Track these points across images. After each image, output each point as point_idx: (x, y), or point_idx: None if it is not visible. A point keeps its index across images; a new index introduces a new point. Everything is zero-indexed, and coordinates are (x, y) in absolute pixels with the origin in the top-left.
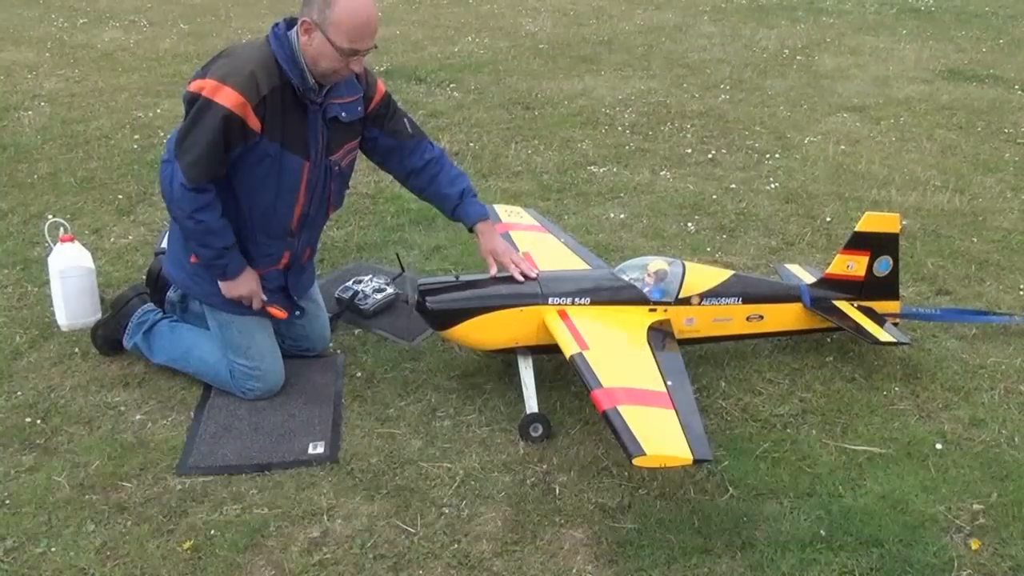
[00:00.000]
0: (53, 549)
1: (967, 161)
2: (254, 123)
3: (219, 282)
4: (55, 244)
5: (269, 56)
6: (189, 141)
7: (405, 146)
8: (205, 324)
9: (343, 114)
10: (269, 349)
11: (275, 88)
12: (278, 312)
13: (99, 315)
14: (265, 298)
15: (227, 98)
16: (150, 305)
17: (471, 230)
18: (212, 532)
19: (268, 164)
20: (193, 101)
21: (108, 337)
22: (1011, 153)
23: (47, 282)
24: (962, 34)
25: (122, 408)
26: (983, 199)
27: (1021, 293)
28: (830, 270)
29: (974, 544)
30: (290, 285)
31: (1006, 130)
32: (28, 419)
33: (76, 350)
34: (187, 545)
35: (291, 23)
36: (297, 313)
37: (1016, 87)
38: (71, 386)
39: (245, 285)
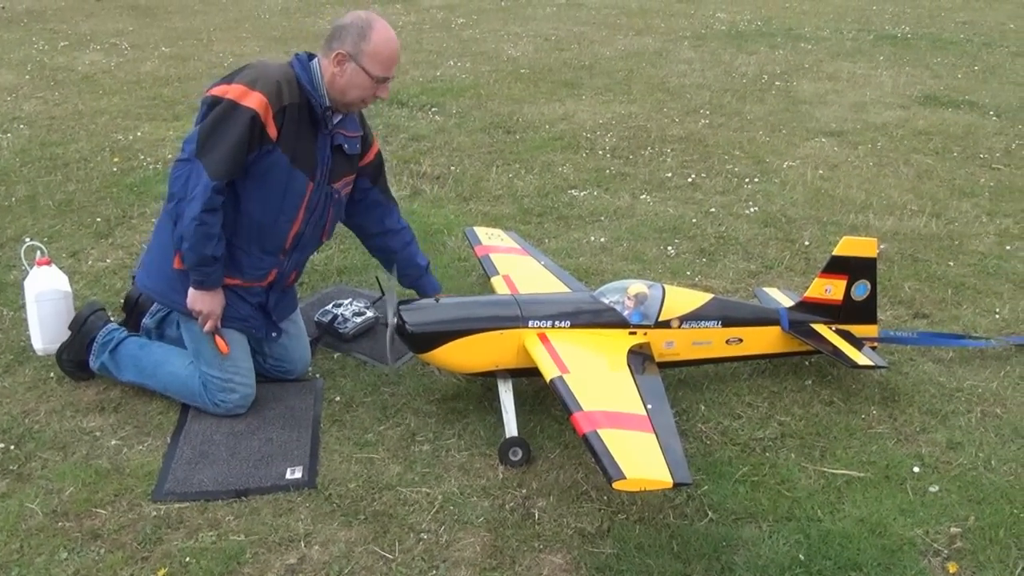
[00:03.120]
0: None
1: (943, 186)
2: (272, 130)
3: (189, 289)
4: (31, 267)
5: (292, 75)
6: (213, 140)
7: (388, 207)
8: (181, 346)
9: (346, 146)
10: (244, 363)
11: (294, 103)
12: (222, 344)
13: None
14: (220, 325)
15: (254, 101)
16: (114, 324)
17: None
18: (187, 559)
19: (276, 175)
20: (214, 104)
21: (73, 360)
22: (986, 178)
23: (23, 306)
24: (938, 61)
25: (97, 433)
26: (959, 223)
27: (997, 317)
28: (808, 294)
29: (951, 567)
30: (271, 304)
31: (981, 155)
32: (1, 445)
33: (51, 375)
34: (161, 573)
35: (311, 56)
36: (274, 335)
37: (991, 113)
38: (46, 411)
39: (210, 303)
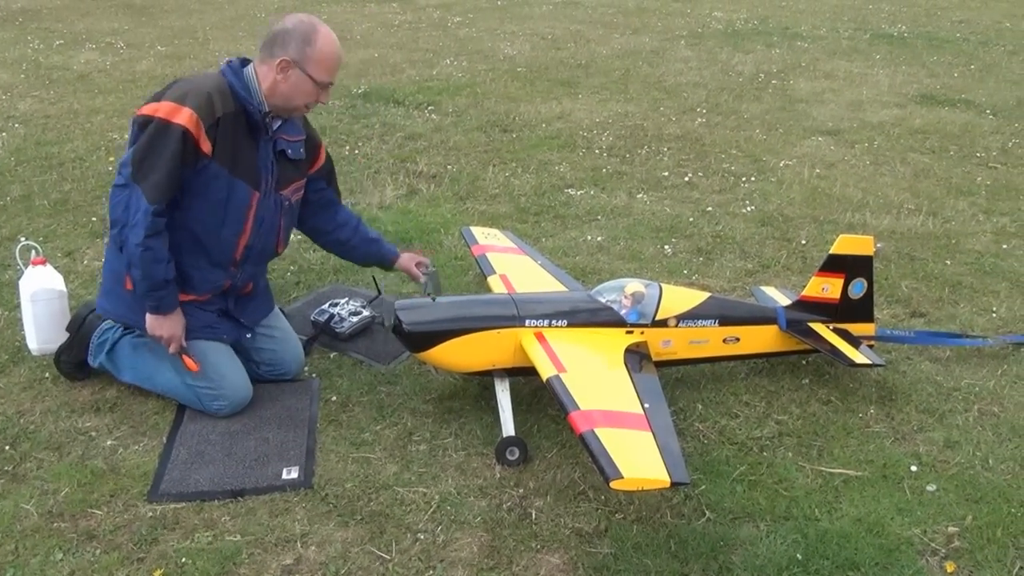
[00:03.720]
0: None
1: (940, 184)
2: (205, 145)
3: (147, 316)
4: (26, 267)
5: (224, 84)
6: (148, 163)
7: (339, 204)
8: None
9: (290, 151)
10: (227, 365)
11: (229, 113)
12: (191, 363)
13: None
14: (185, 344)
15: (183, 118)
16: (108, 323)
17: (392, 264)
18: (183, 560)
19: (216, 188)
20: (146, 124)
21: (72, 362)
22: (983, 177)
23: (18, 306)
24: (934, 59)
25: (93, 433)
26: (956, 222)
27: (994, 315)
28: (805, 292)
29: (949, 567)
30: (231, 307)
31: (978, 154)
32: None
33: (47, 375)
34: (157, 574)
35: (244, 61)
36: (248, 336)
37: (987, 111)
38: (41, 411)
39: (170, 326)
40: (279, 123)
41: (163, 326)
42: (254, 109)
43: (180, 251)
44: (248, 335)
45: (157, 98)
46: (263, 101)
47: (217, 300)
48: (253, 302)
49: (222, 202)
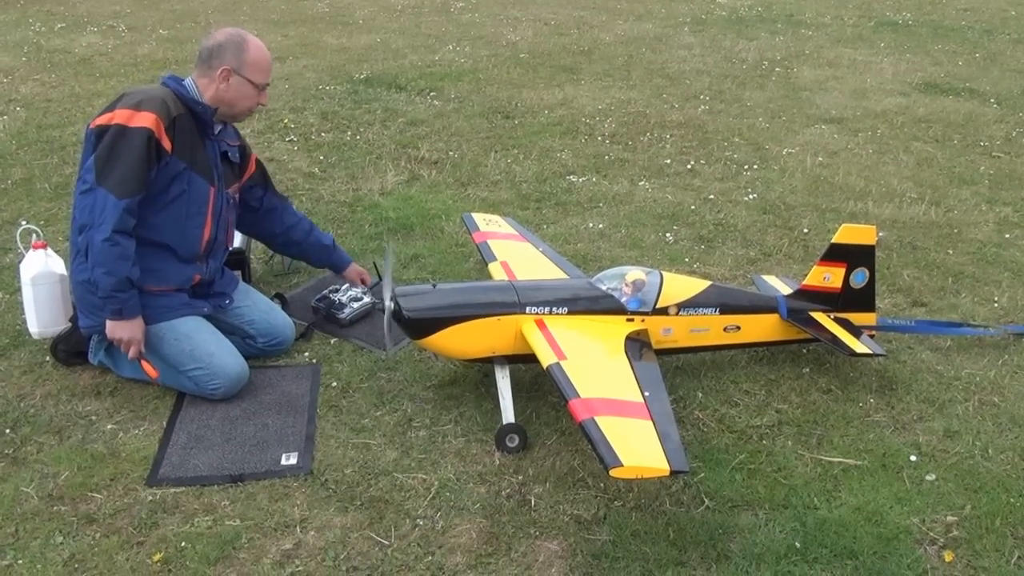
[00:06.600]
0: (20, 562)
1: (943, 174)
2: (167, 143)
3: (107, 321)
4: (27, 251)
5: (170, 92)
6: (111, 164)
7: (284, 205)
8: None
9: (231, 153)
10: (214, 344)
11: (182, 114)
12: (150, 369)
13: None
14: (144, 351)
15: (144, 120)
16: None
17: (342, 272)
18: (183, 544)
19: (179, 183)
20: (103, 133)
21: (70, 351)
22: (986, 166)
23: (19, 289)
24: (939, 48)
25: (93, 417)
26: (958, 211)
27: (995, 305)
28: (807, 281)
29: (948, 556)
30: (205, 289)
31: (981, 143)
32: None
33: (47, 358)
34: (157, 558)
35: (180, 77)
36: (227, 302)
37: (991, 100)
38: (42, 395)
39: (131, 330)
40: (220, 128)
41: (124, 329)
42: (202, 109)
43: (149, 252)
44: (227, 301)
45: (110, 108)
46: (208, 105)
47: (188, 290)
48: (222, 280)
49: (185, 196)
